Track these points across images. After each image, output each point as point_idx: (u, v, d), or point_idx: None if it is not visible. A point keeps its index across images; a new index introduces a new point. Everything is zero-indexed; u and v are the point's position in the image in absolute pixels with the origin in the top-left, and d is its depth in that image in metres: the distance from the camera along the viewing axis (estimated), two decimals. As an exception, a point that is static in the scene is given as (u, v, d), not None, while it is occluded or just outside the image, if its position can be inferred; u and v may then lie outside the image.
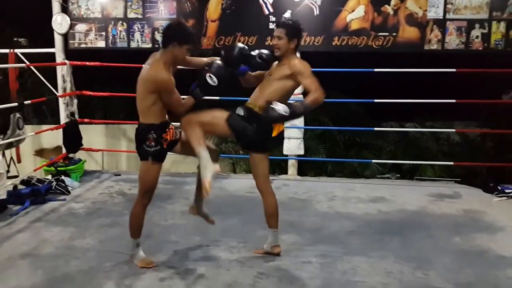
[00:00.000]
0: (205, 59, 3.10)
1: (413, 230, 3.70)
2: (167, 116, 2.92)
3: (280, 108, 2.78)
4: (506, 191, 4.63)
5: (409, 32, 4.99)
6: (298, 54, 3.13)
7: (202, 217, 3.26)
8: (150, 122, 2.83)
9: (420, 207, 4.32)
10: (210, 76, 2.88)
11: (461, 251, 3.34)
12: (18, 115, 4.44)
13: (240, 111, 2.98)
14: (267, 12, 5.11)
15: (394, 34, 5.00)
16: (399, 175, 6.72)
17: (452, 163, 5.97)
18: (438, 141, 7.98)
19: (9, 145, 4.46)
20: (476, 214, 4.12)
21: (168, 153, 2.97)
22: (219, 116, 3.00)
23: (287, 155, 5.40)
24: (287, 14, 5.08)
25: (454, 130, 7.61)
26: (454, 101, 5.03)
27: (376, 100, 5.26)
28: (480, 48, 4.94)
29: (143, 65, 2.87)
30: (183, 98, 2.90)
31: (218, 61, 2.98)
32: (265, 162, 3.08)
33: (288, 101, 2.94)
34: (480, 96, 5.85)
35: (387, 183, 5.48)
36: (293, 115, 2.83)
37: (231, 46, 3.11)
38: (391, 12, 4.98)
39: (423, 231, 3.70)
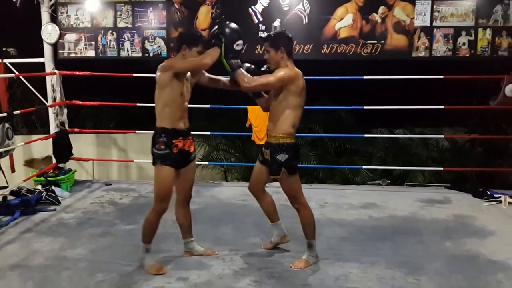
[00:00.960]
0: (222, 78, 3.20)
1: (404, 236, 3.73)
2: (184, 125, 2.94)
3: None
4: (495, 195, 4.69)
5: (397, 40, 5.06)
6: (291, 65, 3.11)
7: (200, 255, 3.27)
8: (162, 126, 2.88)
9: (411, 212, 4.35)
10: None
11: (452, 256, 3.37)
12: (7, 125, 4.40)
13: (281, 157, 3.00)
14: (256, 21, 5.15)
15: (382, 41, 5.06)
16: (389, 181, 6.76)
17: (441, 168, 6.03)
18: (428, 147, 8.05)
19: (-1, 156, 4.42)
20: (466, 219, 4.16)
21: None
22: (297, 180, 3.12)
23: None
24: (276, 23, 5.13)
25: (443, 136, 7.70)
26: (442, 107, 5.10)
27: (365, 107, 5.31)
28: (467, 55, 5.01)
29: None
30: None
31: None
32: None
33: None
34: (468, 102, 5.94)
35: (378, 189, 5.51)
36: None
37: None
38: (379, 20, 5.04)
39: (414, 236, 3.73)
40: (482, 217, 4.19)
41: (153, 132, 2.95)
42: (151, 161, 2.94)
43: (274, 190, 5.12)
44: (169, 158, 2.87)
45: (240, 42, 2.97)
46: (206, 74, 3.14)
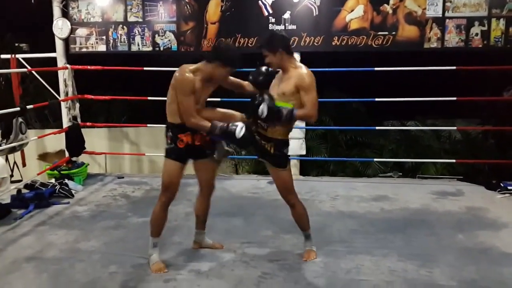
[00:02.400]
0: (245, 83, 3.15)
1: (416, 228, 3.71)
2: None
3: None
4: (509, 187, 4.64)
5: (408, 31, 5.00)
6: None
7: (208, 248, 3.31)
8: (170, 121, 2.92)
9: (423, 205, 4.32)
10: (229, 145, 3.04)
11: (465, 248, 3.34)
12: (20, 119, 4.46)
13: (287, 150, 3.06)
14: (266, 14, 5.13)
15: (394, 33, 5.00)
16: (401, 174, 6.73)
17: (454, 160, 5.97)
18: (440, 139, 7.98)
19: (12, 150, 4.49)
20: (479, 211, 4.12)
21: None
22: (288, 174, 3.10)
23: (289, 155, 5.40)
24: (287, 15, 5.10)
25: (455, 128, 7.61)
26: (455, 98, 5.03)
27: (377, 99, 5.27)
28: (480, 46, 4.94)
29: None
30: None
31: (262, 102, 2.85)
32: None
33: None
34: (481, 93, 5.86)
35: (389, 181, 5.49)
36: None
37: (258, 71, 3.06)
38: (390, 11, 4.99)
39: (427, 229, 3.71)
40: (495, 209, 4.15)
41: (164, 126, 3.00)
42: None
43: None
44: (173, 152, 2.92)
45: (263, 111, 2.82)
46: (230, 78, 3.08)
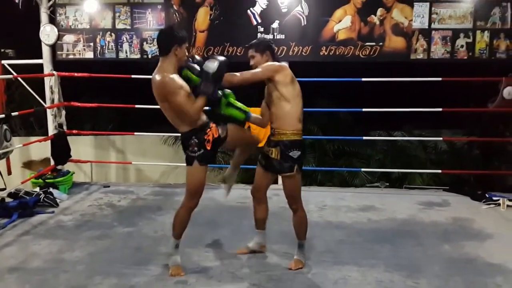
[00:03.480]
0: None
1: (403, 239, 3.73)
2: (204, 116, 2.95)
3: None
4: (494, 198, 4.68)
5: (395, 42, 5.07)
6: (285, 65, 3.13)
7: (229, 188, 3.41)
8: (188, 129, 2.89)
9: (410, 215, 4.35)
10: (211, 61, 2.84)
11: (451, 259, 3.36)
12: (5, 126, 4.39)
13: (294, 153, 3.02)
14: (255, 23, 5.15)
15: (381, 43, 5.07)
16: (388, 184, 6.76)
17: (440, 171, 6.02)
18: (426, 150, 8.05)
19: (-3, 157, 4.41)
20: (464, 222, 4.16)
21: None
22: (300, 180, 3.13)
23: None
24: (275, 25, 5.13)
25: (441, 138, 7.70)
26: (440, 109, 5.10)
27: (364, 109, 5.31)
28: (465, 57, 5.03)
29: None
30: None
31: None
32: None
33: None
34: (466, 105, 5.94)
35: (376, 191, 5.51)
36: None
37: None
38: (377, 22, 5.05)
39: (413, 239, 3.73)
40: (481, 220, 4.19)
41: (181, 135, 2.96)
42: (185, 162, 2.95)
43: (274, 192, 5.13)
44: (206, 157, 2.91)
45: (214, 66, 2.83)
46: None
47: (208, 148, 2.90)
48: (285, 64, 3.12)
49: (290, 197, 3.13)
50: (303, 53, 5.14)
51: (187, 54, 2.93)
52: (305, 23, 5.11)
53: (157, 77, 2.80)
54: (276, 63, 3.05)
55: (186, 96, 2.78)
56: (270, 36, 5.13)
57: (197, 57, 3.03)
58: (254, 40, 3.20)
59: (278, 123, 3.05)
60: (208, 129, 2.92)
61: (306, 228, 3.17)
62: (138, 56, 5.36)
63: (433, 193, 5.32)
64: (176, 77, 2.79)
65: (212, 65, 2.81)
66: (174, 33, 2.89)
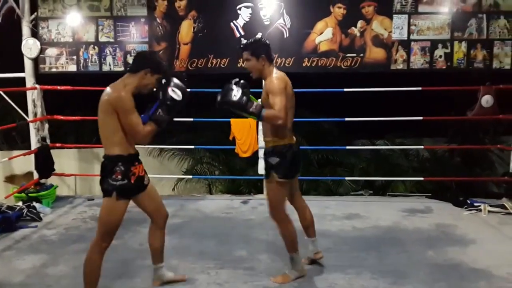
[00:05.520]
0: None
1: (388, 246, 3.77)
2: (135, 148, 2.67)
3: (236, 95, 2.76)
4: (475, 204, 4.78)
5: (375, 53, 5.17)
6: (274, 70, 3.04)
7: (171, 281, 3.05)
8: (117, 153, 2.57)
9: (394, 222, 4.41)
10: (173, 90, 2.64)
11: (435, 264, 3.42)
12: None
13: (273, 160, 2.93)
14: (238, 35, 5.21)
15: (362, 55, 5.17)
16: (372, 192, 6.83)
17: (422, 178, 6.11)
18: (408, 158, 8.18)
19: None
20: (447, 228, 4.23)
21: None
22: (283, 190, 3.00)
23: (262, 175, 5.43)
24: (258, 37, 5.19)
25: (422, 146, 7.84)
26: (421, 118, 5.20)
27: (347, 119, 5.39)
28: (444, 67, 5.16)
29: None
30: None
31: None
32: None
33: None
34: (446, 113, 6.08)
35: (361, 200, 5.57)
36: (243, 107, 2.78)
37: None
38: (358, 34, 5.16)
39: (398, 246, 3.78)
40: (463, 226, 4.27)
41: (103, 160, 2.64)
42: (103, 191, 2.61)
43: (258, 202, 5.15)
44: (127, 190, 2.59)
45: (176, 94, 2.66)
46: None
47: (132, 181, 2.58)
48: (284, 74, 3.01)
49: (269, 206, 3.02)
50: (286, 64, 5.21)
51: (154, 88, 2.69)
52: (287, 35, 5.19)
53: (115, 89, 2.55)
54: (281, 78, 2.91)
55: (138, 118, 2.55)
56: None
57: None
58: (250, 40, 3.05)
59: (265, 131, 3.02)
60: (137, 163, 2.65)
61: (292, 241, 3.03)
62: (122, 68, 5.36)
63: (416, 200, 5.40)
64: (129, 96, 2.56)
65: (178, 95, 2.65)
66: (154, 58, 2.73)
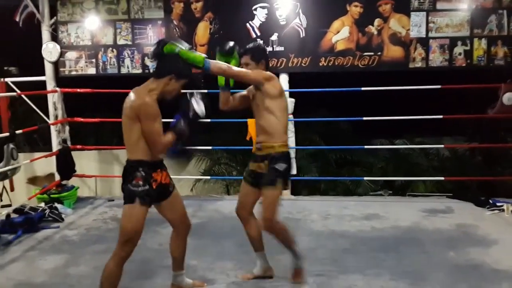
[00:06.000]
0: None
1: (407, 246, 3.73)
2: (161, 157, 2.63)
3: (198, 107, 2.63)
4: (498, 204, 4.69)
5: (393, 51, 5.12)
6: (285, 76, 3.06)
7: None
8: (139, 158, 2.50)
9: (414, 222, 4.35)
10: (196, 102, 2.61)
11: (456, 265, 3.36)
12: (11, 145, 4.44)
13: (281, 166, 2.85)
14: (254, 36, 5.22)
15: (379, 53, 5.12)
16: (391, 192, 6.77)
17: (442, 178, 6.03)
18: (428, 157, 8.06)
19: (4, 176, 4.46)
20: (469, 228, 4.16)
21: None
22: (279, 198, 2.89)
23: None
24: (274, 37, 5.20)
25: (443, 145, 7.72)
26: (441, 117, 5.12)
27: (364, 118, 5.34)
28: (463, 65, 5.07)
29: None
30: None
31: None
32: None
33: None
34: (467, 111, 5.97)
35: (380, 200, 5.53)
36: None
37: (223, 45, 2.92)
38: (375, 32, 5.11)
39: (418, 246, 3.73)
40: (485, 226, 4.19)
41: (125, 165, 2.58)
42: (124, 198, 2.54)
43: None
44: (148, 195, 2.50)
45: (199, 109, 2.62)
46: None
47: (154, 187, 2.52)
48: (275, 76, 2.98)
49: (267, 210, 2.85)
50: (302, 64, 5.20)
51: (179, 94, 2.65)
52: (303, 35, 5.17)
53: (139, 95, 2.49)
54: (268, 73, 2.91)
55: (160, 127, 2.50)
56: (269, 48, 5.19)
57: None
58: (250, 45, 3.02)
59: (265, 136, 2.90)
60: (160, 170, 2.59)
61: (291, 238, 2.95)
62: (140, 71, 5.43)
63: (436, 200, 5.33)
64: (155, 103, 2.50)
65: (201, 110, 2.61)
66: (177, 62, 2.59)
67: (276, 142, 2.87)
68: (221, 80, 2.92)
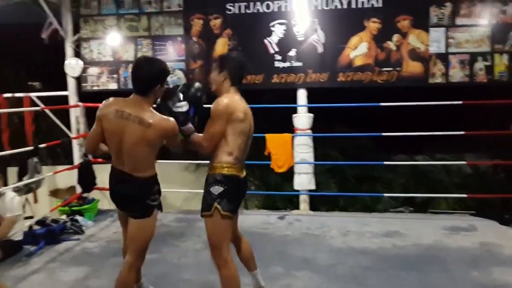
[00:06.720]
0: None
1: (429, 265, 3.65)
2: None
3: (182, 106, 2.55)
4: (522, 222, 4.57)
5: (412, 67, 5.09)
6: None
7: None
8: (152, 174, 2.60)
9: (436, 240, 4.27)
10: (175, 105, 2.56)
11: (480, 285, 3.28)
12: (35, 159, 4.54)
13: (215, 189, 2.53)
14: (272, 51, 5.26)
15: (398, 68, 5.10)
16: (412, 209, 6.66)
17: (465, 195, 5.92)
18: (450, 174, 7.92)
19: (29, 190, 4.56)
20: (493, 247, 4.05)
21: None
22: (226, 225, 2.56)
23: (298, 190, 5.41)
24: (292, 53, 5.23)
25: (465, 162, 7.58)
26: (462, 133, 5.05)
27: (384, 134, 5.30)
28: (485, 81, 5.01)
29: (117, 115, 2.54)
30: None
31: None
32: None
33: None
34: (488, 128, 5.88)
35: (400, 217, 5.44)
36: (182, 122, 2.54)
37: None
38: (394, 48, 5.10)
39: (440, 265, 3.65)
40: (510, 245, 4.08)
41: (142, 180, 2.55)
42: (140, 213, 2.57)
43: (295, 218, 5.11)
44: (160, 205, 2.70)
45: (183, 103, 2.57)
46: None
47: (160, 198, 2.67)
48: (239, 102, 2.61)
49: (212, 246, 2.57)
50: (320, 79, 5.21)
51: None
52: (321, 51, 5.19)
53: (160, 123, 2.46)
54: (230, 104, 2.53)
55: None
56: (287, 64, 5.22)
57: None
58: (222, 54, 2.88)
59: (213, 156, 2.59)
60: None
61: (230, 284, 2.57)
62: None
63: (458, 217, 5.22)
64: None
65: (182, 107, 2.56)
66: (160, 70, 2.57)
67: (216, 162, 2.57)
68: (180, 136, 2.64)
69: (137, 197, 2.55)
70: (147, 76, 2.52)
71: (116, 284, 2.60)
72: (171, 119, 2.50)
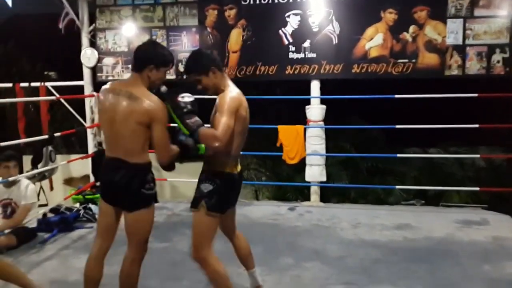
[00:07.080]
0: None
1: (440, 258, 3.63)
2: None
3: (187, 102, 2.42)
4: (536, 217, 4.52)
5: (428, 58, 5.02)
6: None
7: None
8: (146, 161, 2.44)
9: (447, 234, 4.24)
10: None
11: (491, 279, 3.25)
12: (50, 148, 4.62)
13: (205, 187, 2.49)
14: (286, 42, 5.23)
15: (414, 60, 5.03)
16: (424, 202, 6.61)
17: (478, 188, 5.86)
18: (463, 167, 7.84)
19: (43, 177, 4.63)
20: (505, 241, 4.01)
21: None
22: (211, 224, 2.51)
23: (309, 182, 5.41)
24: (306, 44, 5.20)
25: (479, 155, 7.48)
26: (477, 126, 4.98)
27: (397, 126, 5.25)
28: (502, 73, 4.92)
29: (111, 93, 2.42)
30: None
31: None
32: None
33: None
34: (504, 121, 5.78)
35: (412, 209, 5.40)
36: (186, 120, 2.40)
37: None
38: (410, 39, 5.03)
39: (451, 259, 3.63)
40: (523, 240, 4.04)
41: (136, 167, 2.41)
42: (134, 204, 2.46)
43: (306, 209, 5.12)
44: (156, 196, 2.54)
45: (186, 94, 2.48)
46: None
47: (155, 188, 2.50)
48: (240, 94, 2.55)
49: (194, 243, 2.53)
50: (334, 71, 5.17)
51: (164, 78, 2.53)
52: (336, 42, 5.15)
53: (149, 97, 2.37)
54: (236, 97, 2.46)
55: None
56: (301, 55, 5.20)
57: (163, 88, 2.55)
58: (188, 61, 2.59)
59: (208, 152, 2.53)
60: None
61: (226, 285, 2.55)
62: (174, 76, 5.53)
63: (471, 211, 5.17)
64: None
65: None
66: (153, 51, 2.45)
67: (212, 159, 2.52)
68: (184, 130, 2.49)
69: (130, 185, 2.40)
70: (142, 53, 2.45)
71: (120, 276, 2.61)
72: (163, 103, 2.39)
